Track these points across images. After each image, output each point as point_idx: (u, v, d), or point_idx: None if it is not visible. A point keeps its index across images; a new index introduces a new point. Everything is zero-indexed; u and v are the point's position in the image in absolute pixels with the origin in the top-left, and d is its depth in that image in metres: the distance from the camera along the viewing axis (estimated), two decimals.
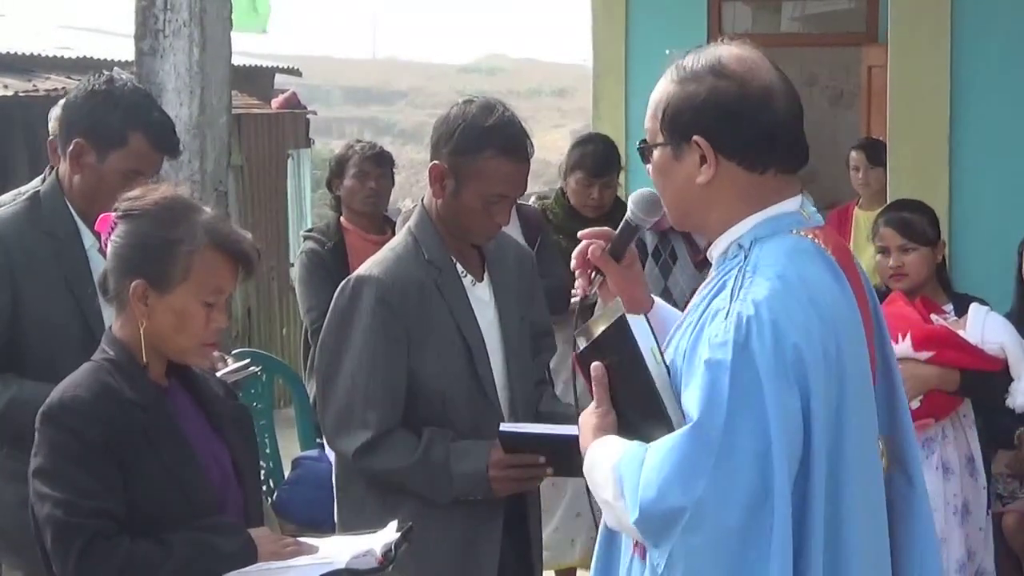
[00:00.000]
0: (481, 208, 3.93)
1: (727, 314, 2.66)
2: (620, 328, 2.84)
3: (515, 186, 3.97)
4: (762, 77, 2.81)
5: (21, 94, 11.65)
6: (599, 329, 2.89)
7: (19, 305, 4.08)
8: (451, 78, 66.33)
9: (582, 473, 2.87)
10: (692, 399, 2.65)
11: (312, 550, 3.30)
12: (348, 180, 6.84)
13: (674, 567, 2.62)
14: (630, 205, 3.16)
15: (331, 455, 4.52)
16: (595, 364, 2.87)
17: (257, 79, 15.60)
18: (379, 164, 6.91)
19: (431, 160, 3.99)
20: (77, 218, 4.15)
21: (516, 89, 52.83)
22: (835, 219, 8.86)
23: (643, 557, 2.73)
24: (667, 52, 8.70)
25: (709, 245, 2.92)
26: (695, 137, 2.79)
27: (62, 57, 13.45)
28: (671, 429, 2.69)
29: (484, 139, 3.89)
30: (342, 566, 3.20)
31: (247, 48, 15.03)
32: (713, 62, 2.81)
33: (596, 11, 9.95)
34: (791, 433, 2.62)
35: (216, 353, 4.04)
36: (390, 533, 3.37)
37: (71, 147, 4.13)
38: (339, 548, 3.31)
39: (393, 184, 7.12)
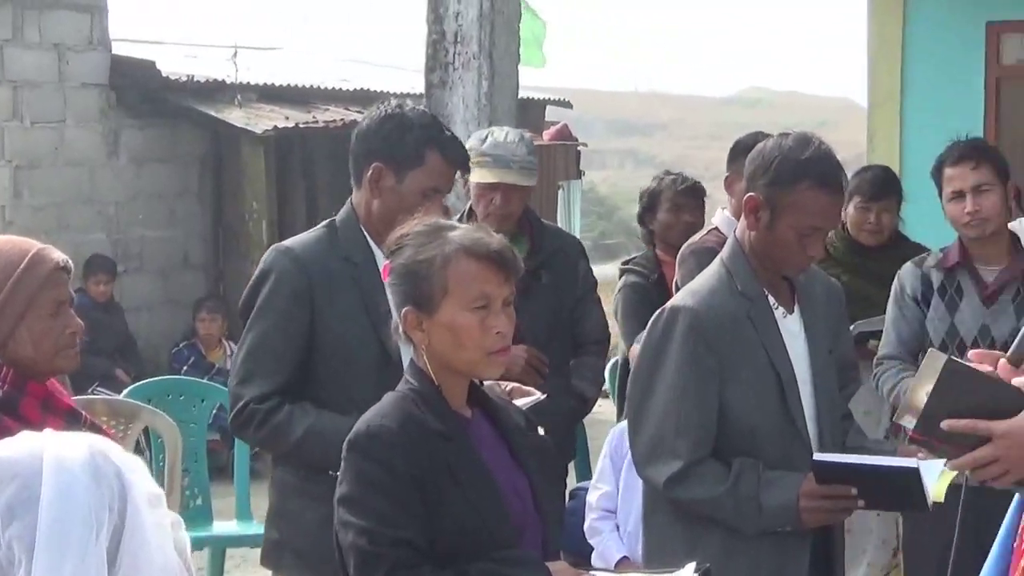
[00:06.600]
0: (795, 240, 3.93)
1: None
2: (953, 372, 2.89)
3: (830, 219, 3.99)
4: None
5: (301, 125, 11.91)
6: (923, 394, 2.90)
7: (317, 326, 4.15)
8: (711, 110, 66.08)
9: (894, 506, 2.85)
10: None
11: None
12: (662, 214, 6.75)
13: None
14: None
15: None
16: (946, 422, 2.89)
17: (530, 111, 15.74)
18: (693, 196, 6.83)
19: (745, 192, 4.01)
20: (372, 244, 4.18)
21: (777, 121, 52.19)
22: None
23: None
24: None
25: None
26: None
27: (340, 89, 13.73)
28: None
29: (801, 171, 3.91)
30: None
31: (521, 81, 15.19)
32: None
33: (871, 43, 9.83)
34: None
35: (514, 385, 4.06)
36: (688, 573, 3.31)
37: (369, 172, 4.19)
38: None
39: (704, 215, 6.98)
